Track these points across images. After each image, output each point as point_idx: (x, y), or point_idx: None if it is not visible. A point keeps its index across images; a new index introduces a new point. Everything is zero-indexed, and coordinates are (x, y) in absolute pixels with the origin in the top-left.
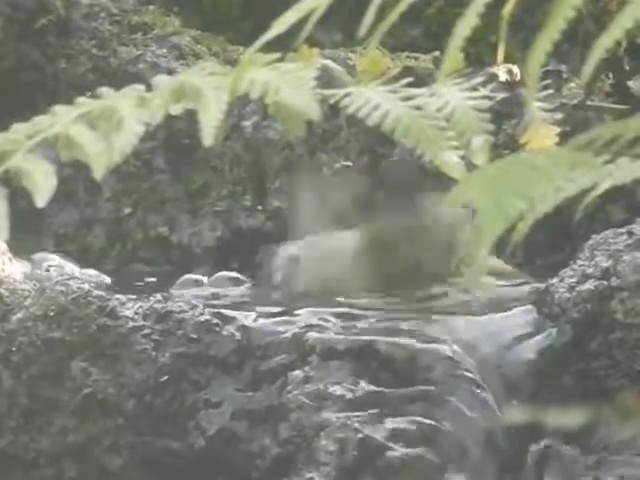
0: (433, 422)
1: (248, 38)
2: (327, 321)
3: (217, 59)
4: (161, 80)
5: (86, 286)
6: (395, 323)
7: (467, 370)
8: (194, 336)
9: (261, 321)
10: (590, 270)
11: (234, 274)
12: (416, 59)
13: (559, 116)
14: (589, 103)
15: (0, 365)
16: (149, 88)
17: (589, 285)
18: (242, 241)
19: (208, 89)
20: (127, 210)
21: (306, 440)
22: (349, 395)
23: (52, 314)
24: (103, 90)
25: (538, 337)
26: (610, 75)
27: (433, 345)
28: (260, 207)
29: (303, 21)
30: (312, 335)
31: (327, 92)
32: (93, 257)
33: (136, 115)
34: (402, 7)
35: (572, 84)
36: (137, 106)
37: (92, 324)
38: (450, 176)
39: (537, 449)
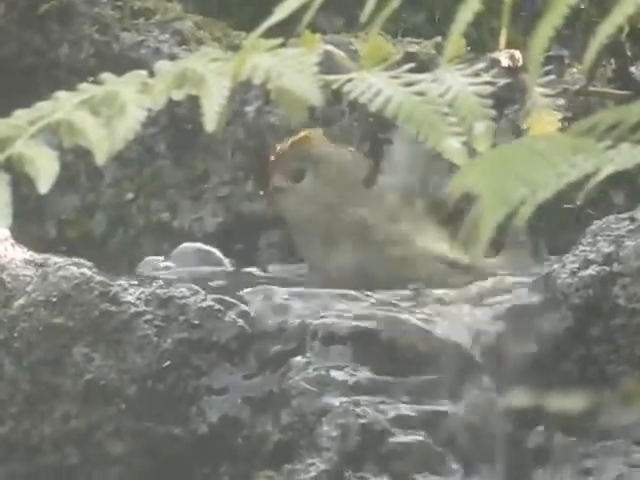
0: (435, 408)
1: (250, 24)
2: (329, 306)
3: (219, 45)
4: (163, 66)
5: (88, 272)
6: (396, 309)
7: (469, 356)
8: (196, 322)
9: (263, 307)
10: (592, 255)
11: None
12: (418, 44)
13: (561, 102)
14: (591, 89)
15: (2, 351)
16: (151, 74)
17: (591, 270)
18: (244, 227)
19: (210, 75)
20: (129, 196)
21: (308, 426)
22: (351, 381)
23: (54, 300)
24: (105, 76)
25: (539, 323)
26: (612, 61)
27: (434, 331)
28: (262, 193)
29: (305, 6)
30: (314, 321)
31: (329, 77)
32: (95, 243)
33: (138, 101)
34: None
35: (574, 69)
36: (139, 92)
37: (94, 310)
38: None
39: (538, 435)
